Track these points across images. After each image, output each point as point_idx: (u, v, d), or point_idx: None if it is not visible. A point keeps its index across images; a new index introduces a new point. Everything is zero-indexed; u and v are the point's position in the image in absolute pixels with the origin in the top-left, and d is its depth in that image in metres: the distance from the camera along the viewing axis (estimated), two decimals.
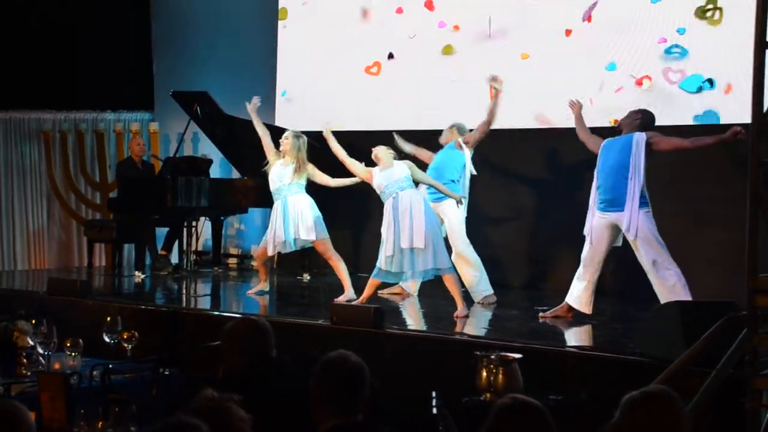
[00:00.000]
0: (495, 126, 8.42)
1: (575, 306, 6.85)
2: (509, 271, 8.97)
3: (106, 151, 11.80)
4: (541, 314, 6.98)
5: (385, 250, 7.07)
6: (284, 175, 7.82)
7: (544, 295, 8.05)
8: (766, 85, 4.35)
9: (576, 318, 6.96)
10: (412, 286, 7.92)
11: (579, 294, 6.83)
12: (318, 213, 7.80)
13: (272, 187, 7.87)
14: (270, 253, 7.88)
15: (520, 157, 9.06)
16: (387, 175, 7.17)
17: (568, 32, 8.83)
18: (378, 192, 7.25)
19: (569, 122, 8.75)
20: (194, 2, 11.52)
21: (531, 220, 9.01)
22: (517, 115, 8.99)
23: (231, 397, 2.85)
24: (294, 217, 7.74)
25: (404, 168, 7.19)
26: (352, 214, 9.91)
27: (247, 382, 3.59)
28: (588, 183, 7.01)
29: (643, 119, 6.81)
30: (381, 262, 7.11)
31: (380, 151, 7.32)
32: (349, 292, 7.60)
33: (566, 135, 8.74)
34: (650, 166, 8.02)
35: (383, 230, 7.13)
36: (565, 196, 8.73)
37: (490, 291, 7.72)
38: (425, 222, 6.96)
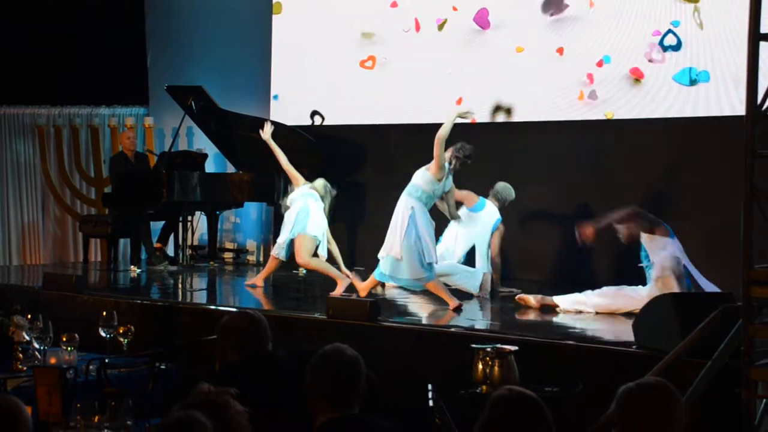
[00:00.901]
0: (486, 119, 8.41)
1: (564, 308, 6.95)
2: (515, 265, 8.97)
3: (101, 145, 11.78)
4: (518, 296, 7.12)
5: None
6: None
7: (545, 287, 8.05)
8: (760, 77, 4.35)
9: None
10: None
11: (575, 305, 6.91)
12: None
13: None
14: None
15: (515, 150, 9.05)
16: None
17: (563, 24, 8.83)
18: None
19: (563, 115, 8.80)
20: None
21: (537, 216, 8.98)
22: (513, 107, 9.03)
23: (227, 391, 2.86)
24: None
25: (418, 174, 7.11)
26: (350, 210, 9.92)
27: (243, 376, 3.59)
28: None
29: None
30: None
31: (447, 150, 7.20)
32: (342, 283, 7.66)
33: (562, 127, 8.77)
34: (646, 162, 8.10)
35: None
36: (564, 187, 8.76)
37: (478, 282, 7.77)
38: (405, 234, 6.94)
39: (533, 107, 8.99)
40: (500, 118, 9.11)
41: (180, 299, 7.98)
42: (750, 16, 4.30)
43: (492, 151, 8.86)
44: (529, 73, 8.98)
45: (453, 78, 9.36)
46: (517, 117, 9.06)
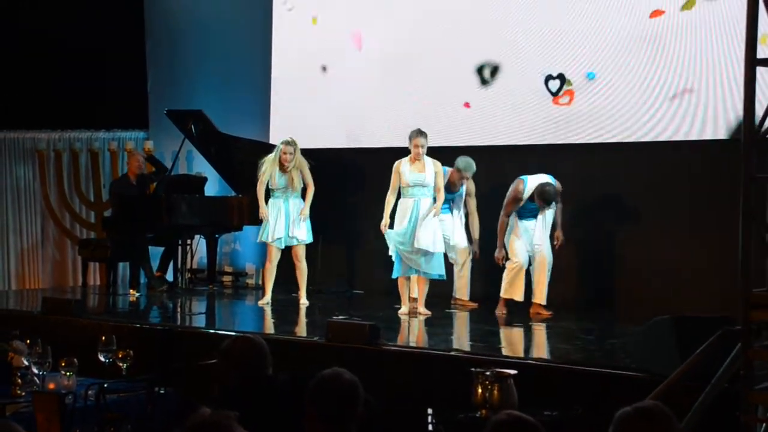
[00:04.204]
0: (477, 143, 8.49)
1: None
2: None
3: (101, 169, 11.81)
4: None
5: None
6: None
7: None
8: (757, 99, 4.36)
9: (571, 333, 7.00)
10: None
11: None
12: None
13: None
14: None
15: (492, 173, 9.01)
16: None
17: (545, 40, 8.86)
18: None
19: (549, 138, 8.80)
20: (188, 20, 11.55)
21: None
22: (493, 128, 9.02)
23: (229, 414, 2.85)
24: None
25: None
26: (345, 233, 9.94)
27: (242, 401, 3.59)
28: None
29: None
30: None
31: None
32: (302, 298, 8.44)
33: (548, 150, 8.77)
34: (642, 178, 8.13)
35: None
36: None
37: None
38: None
39: (516, 129, 9.01)
40: (487, 73, 9.12)
41: (179, 323, 7.98)
42: (747, 41, 4.31)
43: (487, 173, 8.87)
44: (510, 91, 9.01)
45: (451, 101, 9.38)
46: (500, 141, 9.07)
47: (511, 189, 7.85)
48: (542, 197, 7.66)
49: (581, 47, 8.72)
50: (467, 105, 9.33)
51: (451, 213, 8.32)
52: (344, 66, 10.11)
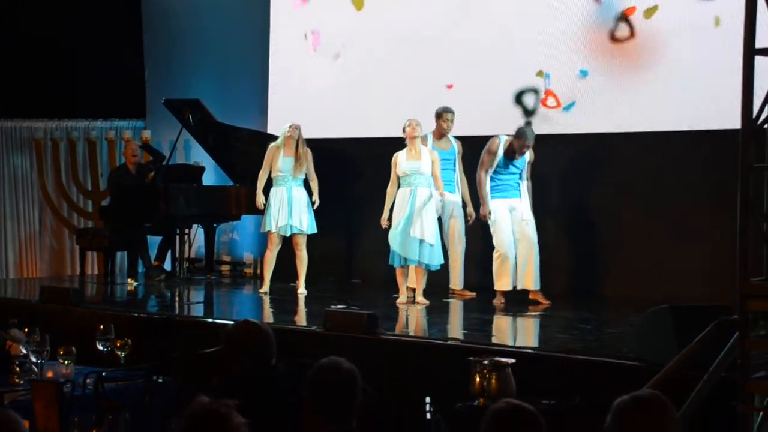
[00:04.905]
0: (459, 133, 8.54)
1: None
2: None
3: (98, 159, 11.80)
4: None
5: None
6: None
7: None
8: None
9: (569, 322, 7.00)
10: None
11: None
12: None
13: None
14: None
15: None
16: None
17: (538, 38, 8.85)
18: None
19: (548, 128, 8.79)
20: (185, 10, 11.52)
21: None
22: (485, 120, 9.02)
23: (227, 403, 2.85)
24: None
25: None
26: (346, 224, 9.93)
27: (243, 390, 3.59)
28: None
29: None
30: None
31: None
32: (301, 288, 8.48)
33: (545, 141, 8.77)
34: (640, 169, 8.14)
35: None
36: (562, 202, 8.77)
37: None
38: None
39: (511, 120, 9.00)
40: (530, 101, 9.09)
41: (177, 312, 7.99)
42: (745, 30, 4.31)
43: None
44: (517, 86, 9.01)
45: (451, 91, 9.36)
46: (497, 130, 9.05)
47: (486, 145, 7.91)
48: (520, 135, 7.74)
49: (575, 44, 8.72)
50: (450, 87, 9.31)
51: (454, 184, 8.35)
52: (344, 56, 10.09)
